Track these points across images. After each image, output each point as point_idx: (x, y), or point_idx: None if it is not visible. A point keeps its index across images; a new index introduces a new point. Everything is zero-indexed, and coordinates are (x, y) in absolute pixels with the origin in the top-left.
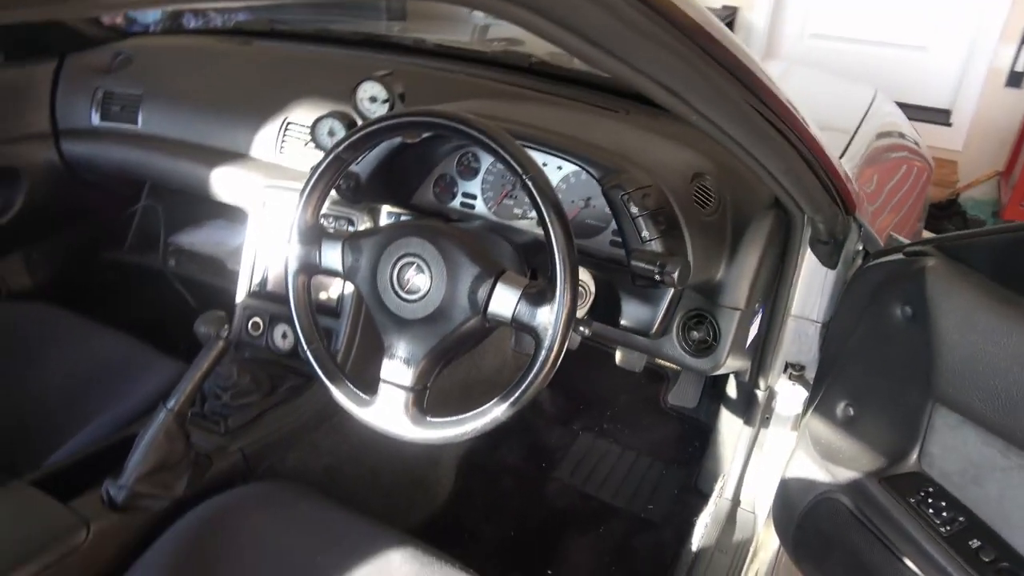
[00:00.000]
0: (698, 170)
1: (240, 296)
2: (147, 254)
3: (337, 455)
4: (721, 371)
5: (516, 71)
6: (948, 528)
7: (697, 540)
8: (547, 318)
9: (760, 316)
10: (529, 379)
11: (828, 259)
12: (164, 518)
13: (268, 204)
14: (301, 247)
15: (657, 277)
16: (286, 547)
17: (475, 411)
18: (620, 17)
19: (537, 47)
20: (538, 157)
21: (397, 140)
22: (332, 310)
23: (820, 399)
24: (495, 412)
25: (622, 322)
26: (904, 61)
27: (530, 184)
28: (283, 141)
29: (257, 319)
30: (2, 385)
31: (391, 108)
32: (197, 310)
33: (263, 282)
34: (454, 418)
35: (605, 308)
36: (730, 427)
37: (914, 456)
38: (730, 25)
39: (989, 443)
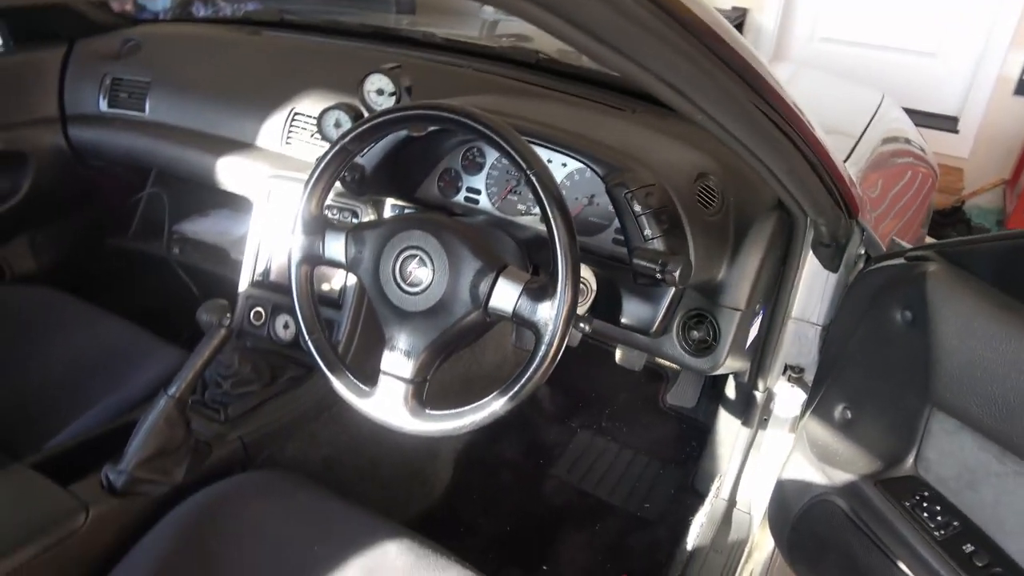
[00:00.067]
0: (702, 170)
1: (243, 285)
2: (151, 241)
3: (336, 446)
4: (720, 371)
5: (524, 67)
6: (942, 532)
7: (692, 539)
8: (548, 314)
9: (760, 317)
10: (528, 374)
11: (830, 262)
12: (163, 504)
13: (273, 194)
14: (305, 237)
15: (658, 276)
16: (283, 536)
17: (474, 404)
18: (628, 15)
19: (545, 44)
20: (543, 153)
21: (403, 133)
22: (334, 301)
23: (818, 401)
24: (494, 406)
25: (622, 320)
26: (913, 67)
27: (534, 180)
28: (289, 132)
29: (259, 309)
30: (4, 368)
31: (398, 101)
32: (200, 298)
33: (266, 272)
34: (453, 411)
35: (606, 306)
36: (728, 428)
37: (910, 460)
38: (740, 26)
39: (985, 448)
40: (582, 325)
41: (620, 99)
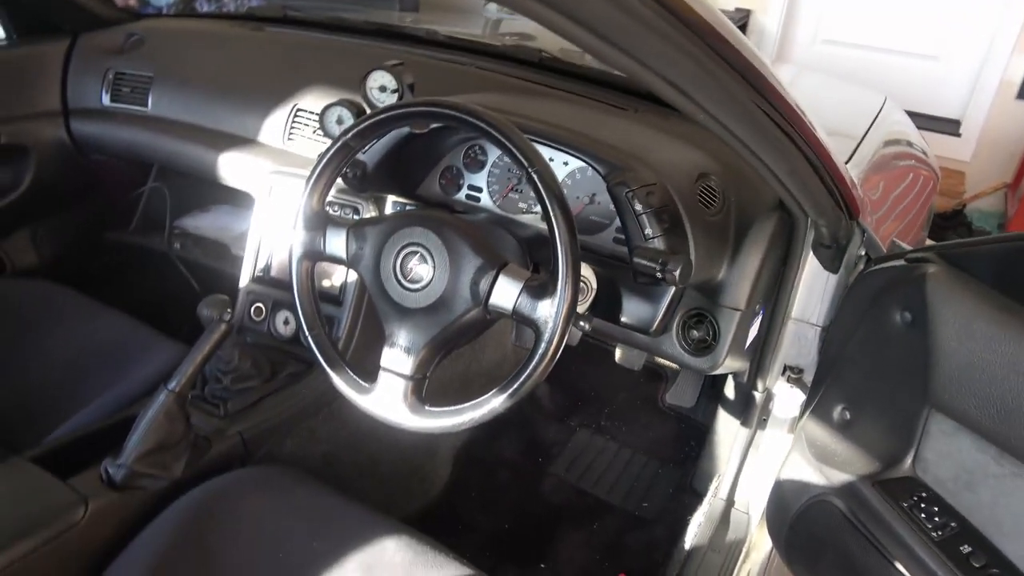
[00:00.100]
0: (704, 170)
1: (243, 281)
2: (152, 236)
3: (335, 442)
4: (719, 371)
5: (526, 66)
6: (940, 533)
7: (690, 539)
8: (548, 311)
9: (760, 317)
10: (528, 371)
11: (830, 263)
12: (162, 498)
13: (274, 190)
14: (306, 233)
15: (659, 275)
16: (282, 531)
17: (473, 402)
18: (632, 13)
19: (548, 42)
20: (545, 152)
21: (405, 130)
22: (335, 298)
23: (817, 402)
24: (493, 403)
25: (622, 319)
26: (915, 70)
27: (536, 178)
28: (291, 128)
29: (260, 304)
30: (4, 361)
31: (400, 98)
32: (200, 294)
33: (267, 268)
34: (452, 408)
35: (606, 304)
36: (727, 428)
37: (908, 461)
38: (743, 28)
39: (983, 450)
40: (582, 323)
41: (622, 98)
